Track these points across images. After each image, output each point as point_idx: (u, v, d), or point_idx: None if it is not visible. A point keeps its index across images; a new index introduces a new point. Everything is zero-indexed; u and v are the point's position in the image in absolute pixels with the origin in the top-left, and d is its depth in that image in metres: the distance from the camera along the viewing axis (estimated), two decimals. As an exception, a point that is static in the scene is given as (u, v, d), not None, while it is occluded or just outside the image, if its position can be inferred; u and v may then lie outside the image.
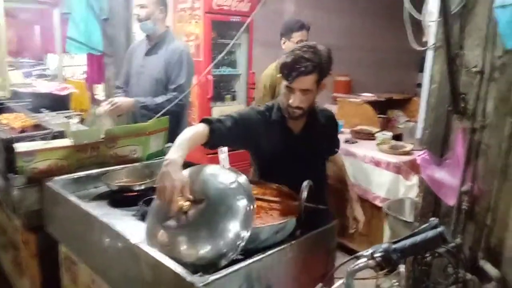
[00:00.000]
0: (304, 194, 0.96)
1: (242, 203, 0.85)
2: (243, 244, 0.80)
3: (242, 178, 0.93)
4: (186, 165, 1.01)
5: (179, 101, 1.95)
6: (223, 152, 2.30)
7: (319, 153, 1.39)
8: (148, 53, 2.15)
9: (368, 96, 4.12)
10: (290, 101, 1.26)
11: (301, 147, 1.35)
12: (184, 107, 2.07)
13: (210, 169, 0.98)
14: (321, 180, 1.34)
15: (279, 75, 1.28)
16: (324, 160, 1.43)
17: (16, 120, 1.86)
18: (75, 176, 1.43)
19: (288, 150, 1.33)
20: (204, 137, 1.13)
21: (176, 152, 0.98)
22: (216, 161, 2.35)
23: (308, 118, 1.35)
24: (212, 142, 1.16)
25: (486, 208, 1.07)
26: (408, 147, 2.66)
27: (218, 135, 1.16)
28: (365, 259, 0.81)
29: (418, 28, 1.24)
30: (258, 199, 1.06)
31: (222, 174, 0.95)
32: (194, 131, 1.10)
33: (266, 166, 1.34)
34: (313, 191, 1.00)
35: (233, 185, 0.89)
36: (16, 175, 1.39)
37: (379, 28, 4.62)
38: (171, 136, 1.51)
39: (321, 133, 1.37)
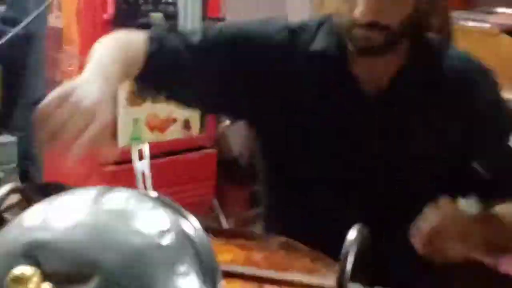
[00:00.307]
0: (347, 263, 0.50)
1: (189, 283, 0.46)
2: None
3: (189, 223, 0.50)
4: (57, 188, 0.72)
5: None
6: (141, 160, 1.58)
7: (433, 161, 0.71)
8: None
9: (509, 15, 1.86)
10: (359, 9, 0.66)
11: (381, 135, 0.71)
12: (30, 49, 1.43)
13: (110, 203, 0.52)
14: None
15: None
16: (446, 186, 0.71)
17: None
18: None
19: (345, 136, 0.71)
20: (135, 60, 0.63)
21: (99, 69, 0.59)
22: (127, 181, 1.59)
23: (409, 60, 0.71)
24: (149, 78, 0.67)
25: None
26: None
27: (167, 60, 0.66)
28: None
29: None
30: (230, 275, 0.57)
31: (141, 213, 0.50)
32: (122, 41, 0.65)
33: (284, 172, 0.74)
34: (380, 254, 0.54)
35: (166, 240, 0.47)
36: None
37: None
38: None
39: (446, 109, 0.71)
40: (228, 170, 2.13)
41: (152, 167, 1.65)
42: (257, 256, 0.72)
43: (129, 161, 1.65)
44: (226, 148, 2.09)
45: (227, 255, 0.69)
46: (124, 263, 0.48)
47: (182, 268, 0.49)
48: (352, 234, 0.53)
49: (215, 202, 2.08)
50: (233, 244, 0.73)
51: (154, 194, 0.55)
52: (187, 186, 1.92)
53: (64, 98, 0.56)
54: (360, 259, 0.52)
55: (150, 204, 0.53)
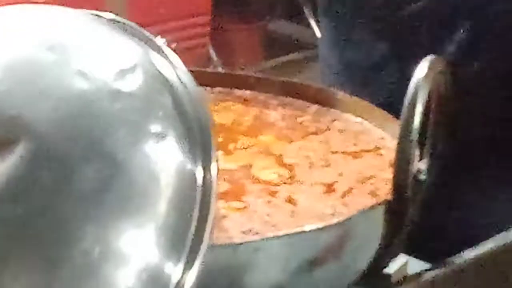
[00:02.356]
0: (415, 116, 0.53)
1: (165, 150, 0.47)
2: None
3: (165, 60, 0.51)
4: None
5: None
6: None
7: None
8: None
9: None
10: None
11: None
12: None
13: (39, 29, 0.54)
14: None
15: None
16: None
17: None
18: None
19: None
20: None
21: None
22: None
23: None
24: None
25: None
26: None
27: None
28: None
29: None
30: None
31: (88, 43, 0.51)
32: None
33: None
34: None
35: (129, 84, 0.48)
36: None
37: None
38: None
39: None
40: (230, 1, 2.15)
41: None
42: (273, 115, 0.73)
43: None
44: None
45: (227, 115, 0.70)
46: (63, 121, 0.47)
47: (154, 127, 0.46)
48: (421, 69, 0.53)
49: (211, 49, 2.12)
50: (237, 96, 0.74)
51: (108, 14, 0.53)
52: (169, 25, 1.93)
53: None
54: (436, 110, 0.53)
55: (102, 28, 0.52)
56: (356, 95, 0.72)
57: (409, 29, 0.83)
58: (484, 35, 0.83)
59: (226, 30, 2.28)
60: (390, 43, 0.86)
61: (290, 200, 0.58)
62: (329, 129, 0.68)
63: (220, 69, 2.12)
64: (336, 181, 0.60)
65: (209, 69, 1.92)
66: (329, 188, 0.59)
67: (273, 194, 0.58)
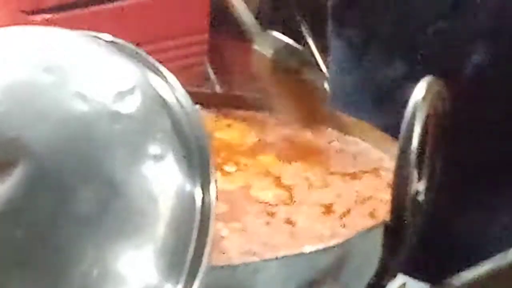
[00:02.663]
0: (413, 138, 0.54)
1: (164, 171, 0.47)
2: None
3: (163, 81, 0.52)
4: None
5: None
6: None
7: None
8: None
9: None
10: None
11: None
12: None
13: (38, 51, 0.54)
14: None
15: None
16: None
17: None
18: None
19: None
20: None
21: None
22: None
23: None
24: None
25: None
26: None
27: None
28: None
29: None
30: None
31: (87, 64, 0.52)
32: None
33: None
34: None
35: (128, 106, 0.49)
36: None
37: None
38: None
39: None
40: (227, 18, 2.15)
41: (108, 14, 1.78)
42: (274, 134, 0.73)
43: (68, 6, 1.73)
44: None
45: (227, 133, 0.71)
46: (62, 143, 0.47)
47: (153, 149, 0.46)
48: (420, 90, 0.53)
49: (208, 67, 2.12)
50: (236, 116, 0.74)
51: (106, 36, 0.53)
52: (166, 43, 1.94)
53: None
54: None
55: (100, 50, 0.52)
56: (370, 117, 0.73)
57: (425, 50, 0.84)
58: (501, 57, 0.83)
59: (223, 49, 2.29)
60: (406, 64, 0.86)
61: (289, 221, 0.58)
62: (328, 150, 0.69)
63: (217, 88, 2.13)
64: (335, 202, 0.61)
65: (205, 89, 1.93)
66: (328, 209, 0.59)
67: (272, 215, 0.59)
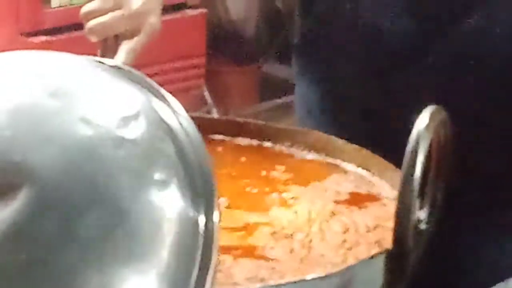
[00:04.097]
0: (416, 167, 0.54)
1: (168, 197, 0.47)
2: None
3: (167, 107, 0.52)
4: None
5: None
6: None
7: None
8: None
9: None
10: None
11: None
12: None
13: (43, 75, 0.55)
14: None
15: None
16: None
17: None
18: None
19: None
20: None
21: None
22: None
23: None
24: None
25: None
26: None
27: None
28: None
29: None
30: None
31: (92, 89, 0.52)
32: None
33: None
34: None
35: (132, 132, 0.49)
36: None
37: None
38: None
39: None
40: (224, 43, 2.14)
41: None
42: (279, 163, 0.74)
43: (68, 28, 1.74)
44: (220, 9, 2.10)
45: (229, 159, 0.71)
46: (67, 168, 0.47)
47: (157, 175, 0.46)
48: (423, 119, 0.53)
49: (206, 91, 2.12)
50: (234, 146, 0.75)
51: (111, 61, 0.54)
52: (165, 66, 1.96)
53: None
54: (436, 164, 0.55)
55: (105, 75, 0.53)
56: (335, 133, 0.74)
57: (392, 86, 0.84)
58: (485, 85, 0.83)
59: (221, 72, 2.29)
60: (376, 80, 0.87)
61: (300, 247, 0.59)
62: (330, 179, 0.70)
63: (214, 110, 2.12)
64: (345, 231, 0.62)
65: (203, 112, 1.92)
66: (340, 238, 0.61)
67: (285, 239, 0.60)
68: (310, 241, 0.60)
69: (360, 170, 0.70)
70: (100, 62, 0.53)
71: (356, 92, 0.88)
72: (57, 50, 1.60)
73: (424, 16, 0.85)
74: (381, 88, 0.86)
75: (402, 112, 0.77)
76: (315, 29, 0.94)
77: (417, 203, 0.54)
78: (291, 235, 0.61)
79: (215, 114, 2.08)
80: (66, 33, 1.72)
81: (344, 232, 0.62)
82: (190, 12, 1.98)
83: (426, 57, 0.84)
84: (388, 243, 0.57)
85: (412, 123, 0.57)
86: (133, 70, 0.53)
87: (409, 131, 0.57)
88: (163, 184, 0.46)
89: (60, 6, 1.73)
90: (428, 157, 0.54)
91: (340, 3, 0.88)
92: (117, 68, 0.51)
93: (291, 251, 0.59)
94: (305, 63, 0.98)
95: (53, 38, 1.70)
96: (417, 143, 0.53)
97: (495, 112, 0.80)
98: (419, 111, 0.56)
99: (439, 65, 0.85)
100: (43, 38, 1.68)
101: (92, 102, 0.50)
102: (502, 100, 0.83)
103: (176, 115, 0.49)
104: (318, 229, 0.62)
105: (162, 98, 0.51)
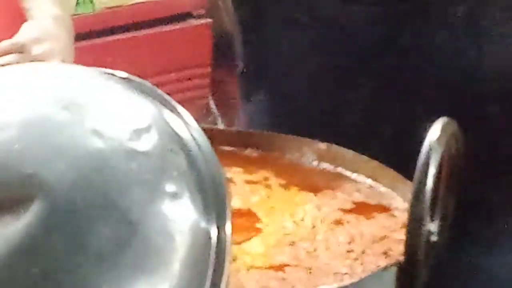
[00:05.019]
0: (428, 182, 0.53)
1: (180, 209, 0.47)
2: None
3: (179, 119, 0.53)
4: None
5: None
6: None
7: None
8: None
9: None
10: None
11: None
12: None
13: (54, 87, 0.55)
14: None
15: None
16: None
17: None
18: None
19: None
20: None
21: None
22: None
23: None
24: None
25: None
26: None
27: None
28: None
29: None
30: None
31: (103, 101, 0.52)
32: None
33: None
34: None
35: (144, 144, 0.49)
36: None
37: None
38: None
39: None
40: (229, 53, 2.15)
41: (116, 45, 1.80)
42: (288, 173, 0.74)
43: (75, 39, 1.70)
44: (225, 19, 2.11)
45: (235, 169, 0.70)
46: (78, 180, 0.47)
47: (169, 187, 0.46)
48: (434, 131, 0.53)
49: (211, 101, 2.12)
50: (243, 158, 0.75)
51: (122, 73, 0.54)
52: (170, 76, 1.96)
53: None
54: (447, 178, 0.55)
55: (117, 88, 0.52)
56: None
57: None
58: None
59: (226, 82, 2.29)
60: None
61: (309, 257, 0.59)
62: (339, 190, 0.69)
63: (219, 120, 2.12)
64: (352, 241, 0.61)
65: (209, 123, 1.92)
66: (346, 248, 0.59)
67: (293, 248, 0.60)
68: (315, 250, 0.60)
69: (370, 181, 0.70)
70: (111, 74, 0.53)
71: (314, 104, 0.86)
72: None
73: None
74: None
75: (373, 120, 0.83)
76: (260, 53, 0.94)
77: (428, 215, 0.54)
78: (297, 243, 0.61)
79: (220, 124, 2.07)
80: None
81: (350, 243, 0.62)
82: (195, 22, 1.98)
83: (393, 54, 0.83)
84: (395, 254, 0.57)
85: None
86: (144, 82, 0.53)
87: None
88: (175, 196, 0.46)
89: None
90: (439, 169, 0.54)
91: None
92: (128, 80, 0.51)
93: (299, 260, 0.59)
94: (247, 91, 0.99)
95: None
96: (428, 155, 0.53)
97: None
98: (428, 123, 0.56)
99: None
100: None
101: (103, 114, 0.49)
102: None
103: (188, 127, 0.50)
104: (324, 238, 0.63)
105: (174, 110, 0.51)
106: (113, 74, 0.54)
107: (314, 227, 0.64)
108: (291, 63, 0.89)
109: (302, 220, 0.65)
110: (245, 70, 0.98)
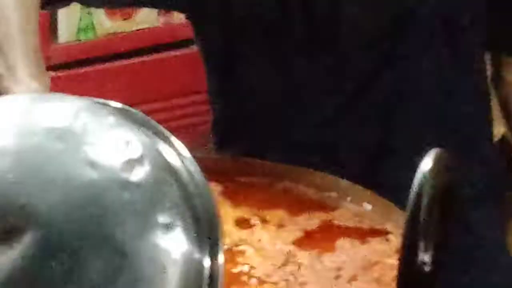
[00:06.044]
0: (420, 213, 0.53)
1: (172, 240, 0.47)
2: None
3: (172, 150, 0.52)
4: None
5: None
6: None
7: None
8: None
9: None
10: None
11: None
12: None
13: (48, 118, 0.55)
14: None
15: None
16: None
17: None
18: None
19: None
20: None
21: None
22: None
23: None
24: None
25: None
26: None
27: None
28: None
29: None
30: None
31: (97, 132, 0.52)
32: None
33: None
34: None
35: (137, 175, 0.49)
36: None
37: None
38: None
39: None
40: None
41: (115, 72, 1.78)
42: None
43: (75, 63, 1.76)
44: None
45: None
46: (72, 211, 0.47)
47: (162, 218, 0.46)
48: (427, 162, 0.53)
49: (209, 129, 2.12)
50: (241, 184, 0.74)
51: (115, 103, 0.54)
52: (171, 102, 1.96)
53: None
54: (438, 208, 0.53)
55: (110, 119, 0.52)
56: None
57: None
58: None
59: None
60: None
61: (300, 284, 0.59)
62: (333, 218, 0.69)
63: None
64: (343, 267, 0.60)
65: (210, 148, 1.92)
66: (336, 274, 0.59)
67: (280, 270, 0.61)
68: (308, 277, 0.60)
69: (364, 209, 0.70)
70: (104, 104, 0.53)
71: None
72: (65, 85, 1.60)
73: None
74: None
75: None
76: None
77: (421, 246, 0.53)
78: (285, 267, 0.61)
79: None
80: (73, 68, 1.74)
81: (344, 268, 0.61)
82: (196, 48, 1.99)
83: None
84: (387, 281, 0.57)
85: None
86: (138, 112, 0.53)
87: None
88: (168, 227, 0.46)
89: (67, 42, 1.76)
90: (432, 200, 0.53)
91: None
92: (121, 110, 0.51)
93: (287, 283, 0.59)
94: (221, 139, 1.05)
95: (61, 73, 1.71)
96: (421, 186, 0.53)
97: None
98: (421, 153, 0.56)
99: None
100: (51, 73, 1.69)
101: (96, 144, 0.50)
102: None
103: (181, 157, 0.50)
104: (316, 262, 0.62)
105: (167, 140, 0.51)
106: (106, 104, 0.54)
107: (304, 250, 0.65)
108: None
109: (292, 242, 0.66)
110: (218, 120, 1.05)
